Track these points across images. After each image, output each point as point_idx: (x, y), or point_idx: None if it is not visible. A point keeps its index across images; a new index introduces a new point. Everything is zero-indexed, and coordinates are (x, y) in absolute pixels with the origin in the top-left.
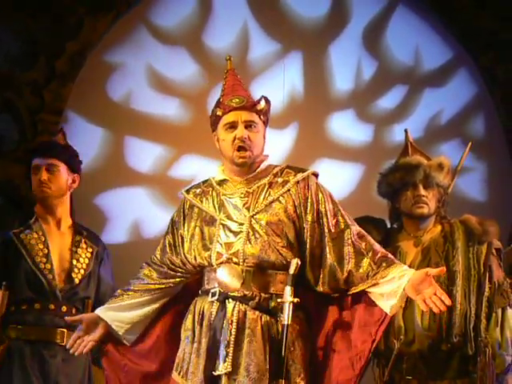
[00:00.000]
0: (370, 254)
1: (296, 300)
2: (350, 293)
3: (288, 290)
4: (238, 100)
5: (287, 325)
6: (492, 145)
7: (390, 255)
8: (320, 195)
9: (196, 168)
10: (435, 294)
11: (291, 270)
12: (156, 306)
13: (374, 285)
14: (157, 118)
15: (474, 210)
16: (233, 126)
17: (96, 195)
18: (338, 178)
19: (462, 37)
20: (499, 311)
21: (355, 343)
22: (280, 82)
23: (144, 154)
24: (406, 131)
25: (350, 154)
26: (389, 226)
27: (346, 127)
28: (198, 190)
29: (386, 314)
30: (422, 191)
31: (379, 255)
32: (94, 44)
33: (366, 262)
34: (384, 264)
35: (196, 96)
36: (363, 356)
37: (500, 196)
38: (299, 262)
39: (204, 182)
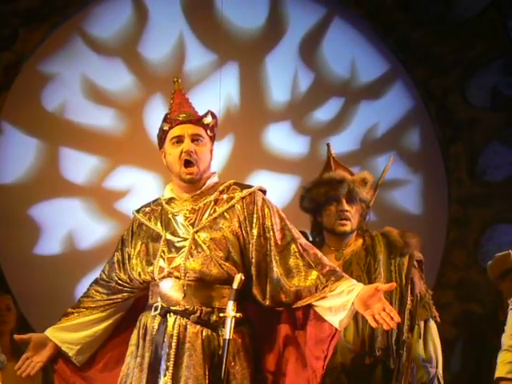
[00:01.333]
0: (319, 268)
1: (238, 315)
2: (298, 306)
3: (230, 304)
4: (184, 115)
5: (228, 339)
6: (427, 158)
7: (338, 269)
8: (266, 210)
9: (131, 179)
10: (384, 310)
11: (234, 285)
12: (107, 323)
13: (323, 298)
14: (92, 129)
15: (409, 222)
16: (179, 140)
17: (30, 206)
18: (274, 190)
19: (397, 50)
20: (421, 324)
21: (309, 360)
22: (216, 94)
23: (79, 165)
24: (328, 145)
25: (287, 165)
26: (310, 239)
27: (282, 139)
28: (147, 209)
29: (336, 330)
30: (346, 206)
31: (328, 268)
32: (29, 54)
33: (314, 274)
34: (333, 278)
35: (131, 107)
36: (318, 373)
37: (435, 208)
38: (243, 277)
39: (154, 201)
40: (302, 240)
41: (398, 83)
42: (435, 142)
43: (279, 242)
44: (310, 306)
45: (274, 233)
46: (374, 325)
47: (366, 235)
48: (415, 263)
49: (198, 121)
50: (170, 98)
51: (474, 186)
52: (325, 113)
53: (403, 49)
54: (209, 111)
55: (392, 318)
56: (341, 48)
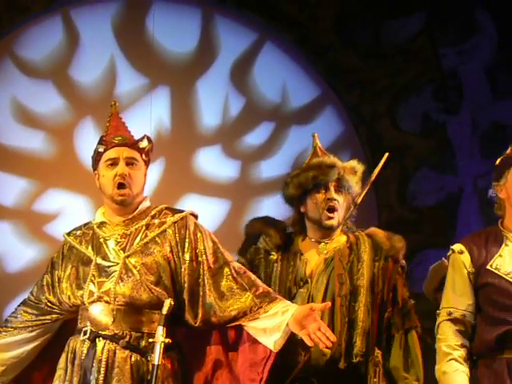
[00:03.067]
0: (253, 290)
1: (167, 340)
2: (231, 325)
3: (160, 329)
4: (120, 138)
5: (157, 365)
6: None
7: (271, 291)
8: (198, 234)
9: (61, 202)
10: (319, 330)
11: (164, 311)
12: (34, 344)
13: (256, 319)
14: (22, 152)
15: None
16: (114, 162)
17: None
18: (205, 214)
19: (328, 75)
20: (401, 333)
21: (244, 383)
22: (147, 117)
23: (8, 188)
24: (313, 136)
25: (217, 189)
26: (290, 231)
27: (212, 163)
28: (78, 232)
29: (271, 351)
30: (334, 194)
31: (261, 290)
32: None
33: (248, 296)
34: (267, 299)
35: (62, 130)
36: None
37: None
38: (172, 303)
39: (85, 224)
40: (235, 263)
41: (329, 108)
42: (365, 167)
43: (212, 266)
44: (243, 329)
45: (206, 256)
46: (310, 343)
47: (350, 233)
48: (399, 269)
49: (133, 144)
50: (107, 120)
51: (403, 212)
52: (255, 137)
53: (334, 74)
54: (145, 136)
55: (328, 338)
56: (272, 73)
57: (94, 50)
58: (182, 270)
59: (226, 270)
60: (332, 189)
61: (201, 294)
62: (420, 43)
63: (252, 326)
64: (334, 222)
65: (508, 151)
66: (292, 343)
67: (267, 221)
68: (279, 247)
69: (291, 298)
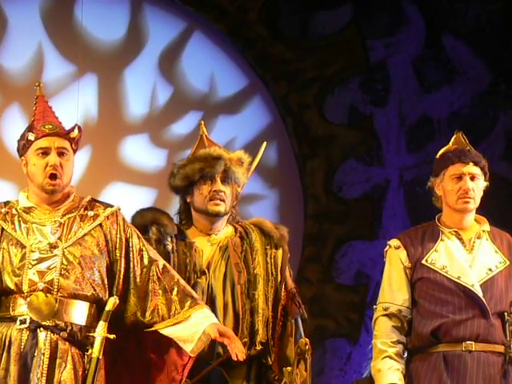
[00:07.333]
0: (175, 292)
1: (112, 336)
2: (152, 329)
3: (101, 324)
4: (51, 126)
5: (97, 358)
6: (284, 173)
7: (194, 294)
8: (128, 230)
9: None
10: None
11: (108, 307)
12: None
13: (175, 324)
14: None
15: None
16: (46, 152)
17: None
18: (131, 202)
19: (256, 65)
20: (293, 321)
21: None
22: (74, 105)
23: None
24: (200, 124)
25: (144, 178)
26: (177, 221)
27: (139, 151)
28: (2, 210)
29: (190, 357)
30: (221, 186)
31: (183, 293)
32: None
33: (169, 300)
34: (187, 304)
35: None
36: None
37: (291, 224)
38: (117, 301)
39: (5, 203)
40: (161, 261)
41: (257, 98)
42: (292, 157)
43: (138, 265)
44: (165, 332)
45: (133, 254)
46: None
47: (236, 224)
48: (287, 258)
49: (66, 134)
50: (33, 103)
51: (329, 203)
52: (183, 126)
53: (262, 64)
54: (76, 125)
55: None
56: (200, 62)
57: (22, 37)
58: (116, 265)
59: (152, 269)
60: (218, 180)
61: (127, 291)
62: (348, 35)
63: (172, 331)
64: (220, 209)
65: (449, 145)
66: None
67: (158, 210)
68: (173, 237)
69: (191, 288)
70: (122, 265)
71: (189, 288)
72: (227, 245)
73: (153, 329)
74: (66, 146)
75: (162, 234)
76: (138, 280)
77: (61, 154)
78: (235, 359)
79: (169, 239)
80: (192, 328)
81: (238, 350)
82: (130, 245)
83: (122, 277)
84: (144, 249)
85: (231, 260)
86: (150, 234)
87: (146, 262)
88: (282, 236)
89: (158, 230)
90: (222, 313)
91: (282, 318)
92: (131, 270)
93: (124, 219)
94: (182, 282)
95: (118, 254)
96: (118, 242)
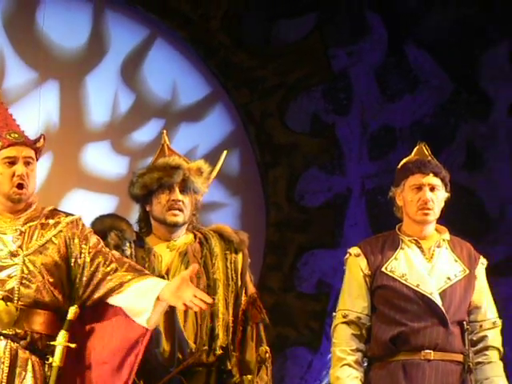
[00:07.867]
0: (125, 267)
1: (73, 345)
2: (105, 302)
3: (62, 333)
4: (16, 135)
5: (59, 367)
6: (246, 181)
7: (143, 269)
8: (89, 235)
9: None
10: (195, 296)
11: (69, 316)
12: None
13: (127, 294)
14: None
15: None
16: (13, 161)
17: None
18: (92, 210)
19: (218, 73)
20: (253, 326)
21: (123, 363)
22: (36, 111)
23: None
24: (163, 133)
25: (105, 185)
26: (137, 229)
27: (101, 159)
28: None
29: (147, 329)
30: (179, 196)
31: (132, 267)
32: None
33: (119, 274)
34: (137, 273)
35: None
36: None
37: (253, 232)
38: (78, 310)
39: None
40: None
41: (219, 106)
42: (254, 165)
43: (101, 268)
44: (118, 310)
45: (95, 258)
46: (183, 308)
47: (196, 231)
48: (248, 263)
49: (32, 144)
50: None
51: (291, 211)
52: (145, 134)
53: (225, 72)
54: (42, 135)
55: (204, 301)
56: (162, 69)
57: None
58: (77, 272)
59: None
60: (177, 190)
61: (90, 294)
62: (311, 43)
63: (125, 305)
64: (178, 219)
65: (410, 156)
66: (172, 345)
67: (118, 216)
68: (132, 242)
69: None
70: (84, 272)
71: (138, 265)
72: (186, 250)
73: (106, 300)
74: (31, 156)
75: (121, 240)
76: (101, 282)
77: (27, 163)
78: (197, 310)
79: (127, 244)
80: (146, 297)
81: (196, 301)
82: (91, 250)
83: (83, 283)
84: (104, 251)
85: (191, 265)
86: (108, 240)
87: (113, 266)
88: (241, 240)
89: (116, 236)
90: (183, 318)
91: (242, 322)
92: (94, 273)
93: (84, 225)
94: (139, 267)
95: (79, 261)
96: (78, 247)
